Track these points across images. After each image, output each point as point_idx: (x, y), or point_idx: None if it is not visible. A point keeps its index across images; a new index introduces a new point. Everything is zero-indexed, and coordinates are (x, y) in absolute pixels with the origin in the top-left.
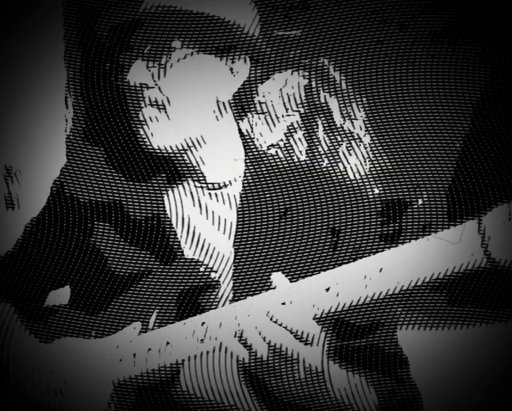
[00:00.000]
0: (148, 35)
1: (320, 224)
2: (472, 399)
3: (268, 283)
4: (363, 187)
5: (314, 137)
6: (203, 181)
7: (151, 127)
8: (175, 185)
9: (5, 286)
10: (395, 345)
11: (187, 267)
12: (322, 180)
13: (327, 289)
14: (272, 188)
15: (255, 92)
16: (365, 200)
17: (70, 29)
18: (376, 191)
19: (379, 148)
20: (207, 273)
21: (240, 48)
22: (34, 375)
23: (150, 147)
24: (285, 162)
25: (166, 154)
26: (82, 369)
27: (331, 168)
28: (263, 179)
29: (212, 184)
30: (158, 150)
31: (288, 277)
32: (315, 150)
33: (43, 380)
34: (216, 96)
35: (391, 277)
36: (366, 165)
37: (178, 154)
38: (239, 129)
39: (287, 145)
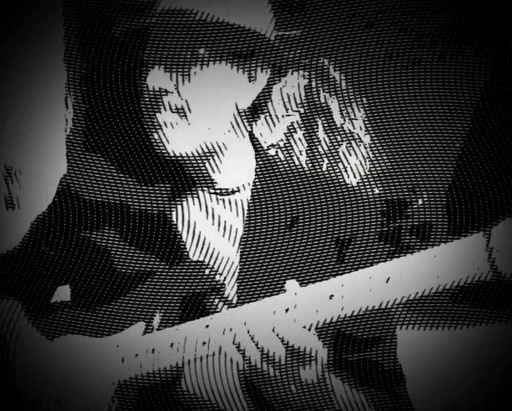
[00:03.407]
0: (164, 41)
1: (326, 231)
2: (472, 399)
3: (277, 289)
4: (364, 191)
5: (314, 137)
6: (213, 188)
7: (169, 132)
8: (184, 194)
9: (12, 283)
10: (393, 360)
11: (192, 269)
12: (330, 187)
13: (331, 297)
14: (280, 194)
15: (267, 96)
16: (366, 203)
17: (70, 29)
18: (376, 191)
19: (379, 148)
20: (212, 276)
21: (260, 55)
22: (34, 375)
23: (165, 152)
24: (294, 169)
25: (181, 160)
26: (82, 368)
27: (333, 173)
28: (271, 186)
29: (221, 189)
30: (173, 156)
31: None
32: (315, 151)
33: (43, 379)
34: (236, 103)
35: (397, 288)
36: (365, 165)
37: (194, 161)
38: (250, 134)
39: (287, 145)
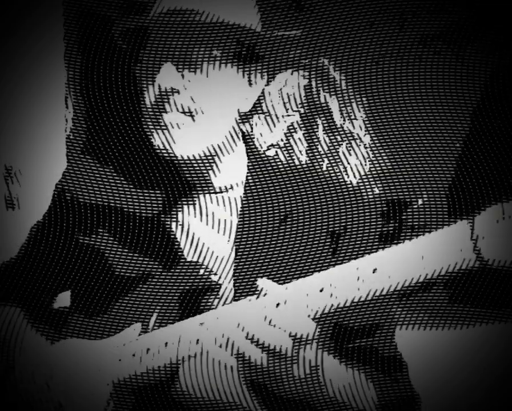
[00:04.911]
0: (171, 41)
1: (320, 227)
2: (472, 399)
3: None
4: (363, 190)
5: (314, 137)
6: (211, 188)
7: (176, 133)
8: (181, 201)
9: (14, 290)
10: (393, 347)
11: (186, 269)
12: (323, 183)
13: (321, 290)
14: (274, 191)
15: (261, 95)
16: (365, 203)
17: (70, 29)
18: (376, 191)
19: (379, 148)
20: (206, 275)
21: (259, 56)
22: (34, 375)
23: (172, 154)
24: (286, 165)
25: (183, 163)
26: (82, 369)
27: (332, 171)
28: (264, 183)
29: (214, 188)
30: (180, 158)
31: (289, 280)
32: (315, 151)
33: (43, 379)
34: (238, 107)
35: (384, 277)
36: (365, 165)
37: (195, 164)
38: (242, 132)
39: (287, 145)
